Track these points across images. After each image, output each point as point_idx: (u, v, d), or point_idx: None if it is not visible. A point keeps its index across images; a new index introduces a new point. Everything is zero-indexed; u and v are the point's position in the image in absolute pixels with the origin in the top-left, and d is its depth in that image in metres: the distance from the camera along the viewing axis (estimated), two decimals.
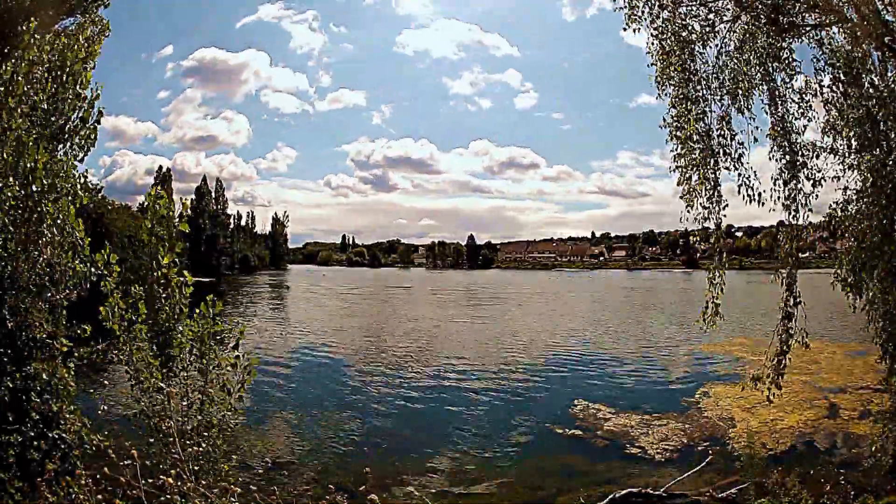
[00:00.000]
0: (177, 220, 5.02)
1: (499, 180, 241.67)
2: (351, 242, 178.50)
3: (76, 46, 5.19)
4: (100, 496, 4.09)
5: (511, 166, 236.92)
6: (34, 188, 4.74)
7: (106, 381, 5.33)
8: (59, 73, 5.11)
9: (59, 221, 4.90)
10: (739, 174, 6.54)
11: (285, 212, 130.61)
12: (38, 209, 4.78)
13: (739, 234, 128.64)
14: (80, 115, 5.29)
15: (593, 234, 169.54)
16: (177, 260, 4.91)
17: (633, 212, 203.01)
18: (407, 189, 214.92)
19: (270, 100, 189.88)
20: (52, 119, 5.12)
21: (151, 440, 4.71)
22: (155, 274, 4.78)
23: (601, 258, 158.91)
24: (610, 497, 8.36)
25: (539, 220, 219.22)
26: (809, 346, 6.85)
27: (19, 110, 4.69)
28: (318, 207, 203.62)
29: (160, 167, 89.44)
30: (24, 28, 4.74)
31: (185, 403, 4.75)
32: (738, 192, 6.45)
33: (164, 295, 4.86)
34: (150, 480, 4.08)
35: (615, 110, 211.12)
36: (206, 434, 4.76)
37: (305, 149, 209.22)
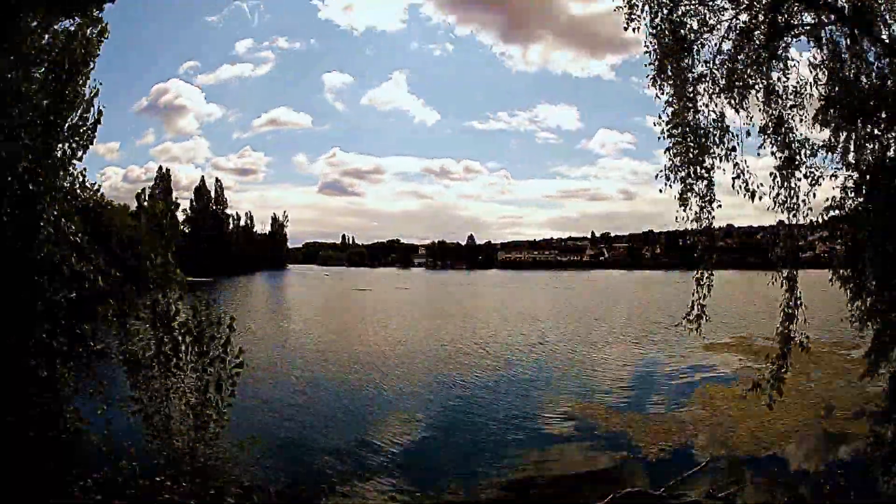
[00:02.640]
0: (179, 215, 5.03)
1: (441, 185, 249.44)
2: (351, 242, 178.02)
3: (75, 44, 5.18)
4: (100, 496, 4.10)
5: (444, 173, 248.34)
6: (31, 187, 4.74)
7: (105, 382, 5.32)
8: (58, 70, 5.10)
9: (55, 218, 4.89)
10: (738, 172, 6.53)
11: (284, 212, 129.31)
12: (37, 208, 4.78)
13: (739, 234, 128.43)
14: (79, 112, 5.27)
15: (592, 234, 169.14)
16: (171, 259, 4.91)
17: (588, 212, 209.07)
18: (368, 194, 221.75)
19: (222, 125, 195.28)
20: (51, 117, 5.10)
21: (150, 440, 4.72)
22: (151, 273, 4.79)
23: (601, 258, 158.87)
24: (610, 497, 8.36)
25: (499, 221, 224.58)
26: (810, 350, 6.80)
27: (18, 108, 4.69)
28: (296, 209, 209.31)
29: (160, 167, 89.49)
30: (24, 23, 4.73)
31: (181, 402, 4.76)
32: (734, 186, 6.44)
33: (160, 294, 4.87)
34: (149, 482, 4.09)
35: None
36: (203, 431, 4.77)
37: (266, 164, 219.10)
